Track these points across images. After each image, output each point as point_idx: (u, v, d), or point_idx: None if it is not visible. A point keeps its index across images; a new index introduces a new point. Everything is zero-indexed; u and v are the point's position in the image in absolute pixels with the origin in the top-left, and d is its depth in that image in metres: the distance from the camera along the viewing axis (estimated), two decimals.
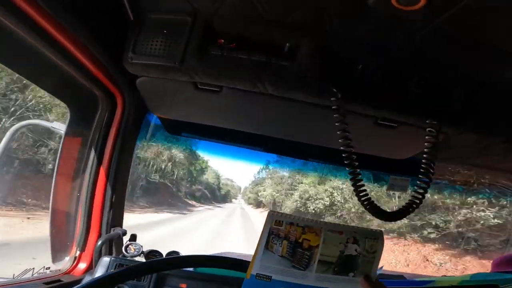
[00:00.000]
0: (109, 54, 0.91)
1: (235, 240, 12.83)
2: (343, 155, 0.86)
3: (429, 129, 0.90)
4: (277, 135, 1.40)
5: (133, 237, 1.37)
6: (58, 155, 1.09)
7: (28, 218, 8.36)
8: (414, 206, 0.89)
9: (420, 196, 0.89)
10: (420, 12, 0.66)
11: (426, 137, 0.90)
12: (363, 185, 0.87)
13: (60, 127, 1.10)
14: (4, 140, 1.10)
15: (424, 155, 0.89)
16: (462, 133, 0.98)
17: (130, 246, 1.29)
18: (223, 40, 0.87)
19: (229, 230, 16.44)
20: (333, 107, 0.86)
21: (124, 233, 1.30)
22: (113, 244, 1.28)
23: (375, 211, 0.88)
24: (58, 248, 1.16)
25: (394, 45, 0.84)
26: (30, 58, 0.83)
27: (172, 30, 0.86)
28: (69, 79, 0.94)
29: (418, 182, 0.90)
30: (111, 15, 0.88)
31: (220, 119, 1.31)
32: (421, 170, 0.89)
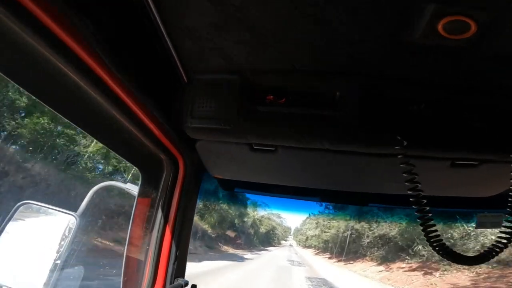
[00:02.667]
0: (170, 119, 0.93)
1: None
2: (411, 199, 0.79)
3: None
4: (334, 187, 1.36)
5: None
6: (133, 211, 1.22)
7: None
8: (502, 246, 0.80)
9: (509, 236, 0.79)
10: (471, 39, 0.62)
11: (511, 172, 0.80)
12: (435, 231, 0.79)
13: (132, 188, 1.25)
14: (87, 198, 1.26)
15: (510, 192, 0.79)
16: None
17: None
18: (272, 97, 0.85)
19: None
20: (399, 156, 0.79)
21: (186, 283, 1.36)
22: None
23: (449, 254, 0.79)
24: None
25: (449, 77, 0.78)
26: (111, 130, 0.90)
27: (223, 90, 0.86)
28: (139, 145, 1.01)
29: (505, 222, 0.82)
30: (168, 80, 0.90)
31: (275, 176, 1.31)
32: (508, 207, 0.79)
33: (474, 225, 1.46)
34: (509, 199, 0.79)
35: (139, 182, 1.22)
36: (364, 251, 23.61)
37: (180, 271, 1.34)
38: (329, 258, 31.84)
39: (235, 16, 0.65)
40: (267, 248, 41.98)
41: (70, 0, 0.53)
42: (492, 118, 0.81)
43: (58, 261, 0.99)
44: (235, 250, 30.50)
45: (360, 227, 24.13)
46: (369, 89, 0.81)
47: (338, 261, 27.70)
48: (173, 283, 1.30)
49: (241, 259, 25.44)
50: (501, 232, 0.82)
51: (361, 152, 0.88)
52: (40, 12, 0.50)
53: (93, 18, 0.58)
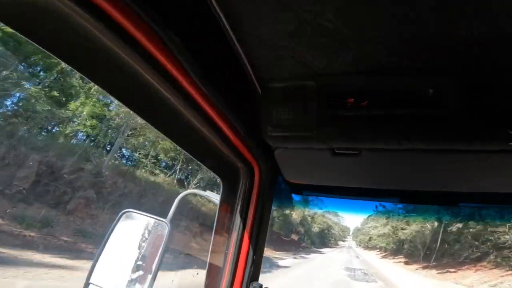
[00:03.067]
0: (247, 128, 0.94)
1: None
2: None
3: None
4: (416, 187, 1.29)
5: None
6: (216, 218, 1.29)
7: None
8: None
9: None
10: None
11: None
12: None
13: (214, 196, 1.32)
14: (175, 204, 1.36)
15: None
16: None
17: None
18: (352, 100, 0.82)
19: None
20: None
21: (260, 287, 1.40)
22: None
23: None
24: None
25: None
26: (192, 137, 0.94)
27: (300, 96, 0.85)
28: (220, 155, 1.07)
29: None
30: (243, 89, 0.92)
31: (356, 180, 1.29)
32: None
33: None
34: None
35: (221, 190, 1.29)
36: (470, 254, 18.51)
37: (255, 274, 1.37)
38: (406, 263, 25.72)
39: (311, 22, 0.64)
40: (320, 250, 38.87)
41: (154, 15, 0.57)
42: None
43: (154, 266, 1.08)
44: (273, 251, 22.93)
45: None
46: (468, 84, 0.76)
47: (425, 267, 21.02)
48: (249, 286, 1.34)
49: (274, 266, 17.66)
50: None
51: (455, 150, 0.83)
52: (138, 33, 0.56)
53: (176, 28, 0.62)
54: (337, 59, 0.75)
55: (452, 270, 19.06)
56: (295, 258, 25.45)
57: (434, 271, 20.00)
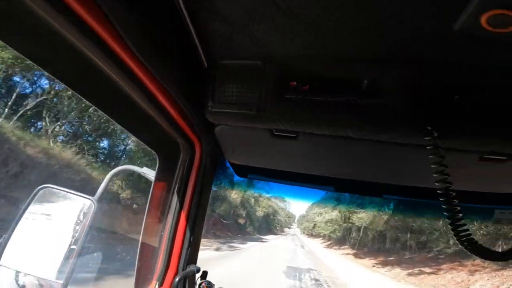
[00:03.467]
0: (189, 103, 0.92)
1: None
2: (440, 192, 0.77)
3: None
4: (352, 176, 1.35)
5: (204, 274, 1.44)
6: (149, 197, 1.20)
7: None
8: None
9: None
10: None
11: None
12: (464, 224, 0.78)
13: (150, 173, 1.24)
14: (104, 181, 1.26)
15: None
16: None
17: (203, 284, 1.36)
18: (295, 83, 0.84)
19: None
20: (427, 147, 0.77)
21: (198, 270, 1.36)
22: (187, 280, 1.35)
23: (479, 251, 0.78)
24: (141, 282, 1.25)
25: (490, 69, 0.75)
26: (128, 110, 0.88)
27: (247, 75, 0.86)
28: (157, 128, 1.00)
29: None
30: (188, 63, 0.89)
31: (293, 164, 1.31)
32: None
33: (491, 221, 1.44)
34: None
35: (156, 167, 1.21)
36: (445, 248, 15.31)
37: (192, 257, 1.34)
38: (356, 255, 22.75)
39: (268, 1, 0.64)
40: (264, 238, 34.83)
41: None
42: None
43: (75, 246, 0.98)
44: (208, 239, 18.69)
45: None
46: (406, 77, 0.80)
47: (385, 263, 17.58)
48: (186, 269, 1.30)
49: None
50: None
51: (385, 141, 0.86)
52: None
53: None
54: (289, 42, 0.76)
55: (427, 270, 15.35)
56: (231, 247, 19.82)
57: (399, 270, 16.42)
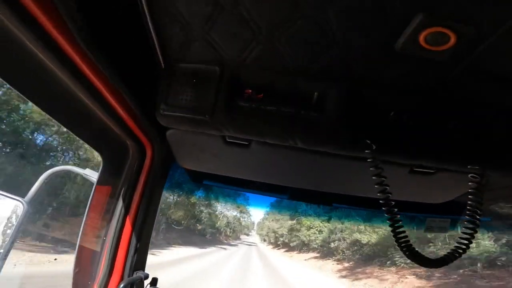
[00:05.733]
0: (141, 104, 0.90)
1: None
2: (381, 202, 0.82)
3: (471, 175, 0.85)
4: (304, 186, 1.38)
5: (154, 282, 1.38)
6: (90, 199, 1.14)
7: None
8: (461, 251, 0.85)
9: (467, 242, 0.84)
10: (450, 51, 0.64)
11: (469, 183, 0.85)
12: (403, 232, 0.82)
13: (92, 174, 1.17)
14: (37, 184, 1.17)
15: (469, 201, 0.84)
16: (506, 175, 0.91)
17: None
18: (250, 91, 0.85)
19: None
20: (368, 160, 0.82)
21: (146, 276, 1.31)
22: (134, 287, 1.29)
23: (417, 257, 0.83)
24: (79, 287, 1.18)
25: (427, 87, 0.80)
26: (70, 107, 0.84)
27: (202, 80, 0.85)
28: (103, 128, 0.96)
29: (464, 227, 0.86)
30: (144, 65, 0.89)
31: (247, 172, 1.31)
32: (467, 214, 0.84)
33: (421, 230, 1.56)
34: (468, 206, 0.84)
35: (100, 168, 1.15)
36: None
37: (140, 263, 1.28)
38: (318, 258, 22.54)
39: (230, 9, 0.65)
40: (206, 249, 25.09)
41: None
42: (459, 129, 0.85)
43: (1, 251, 0.90)
44: None
45: None
46: (349, 93, 0.83)
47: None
48: (132, 275, 1.25)
49: None
50: (460, 238, 0.86)
51: (331, 153, 0.89)
52: None
53: None
54: (245, 50, 0.77)
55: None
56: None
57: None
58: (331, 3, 0.60)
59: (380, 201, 0.83)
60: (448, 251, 0.87)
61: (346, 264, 20.00)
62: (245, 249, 33.23)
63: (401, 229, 0.83)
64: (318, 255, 24.74)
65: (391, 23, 0.62)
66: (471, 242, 0.85)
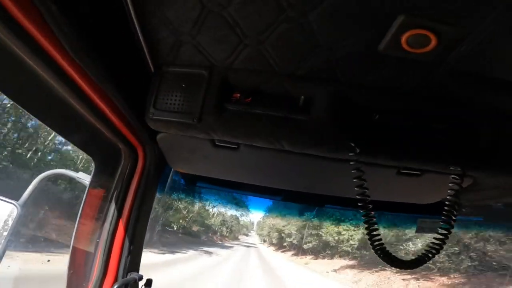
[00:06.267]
0: (132, 108, 0.91)
1: None
2: (359, 204, 0.85)
3: (452, 176, 0.86)
4: (296, 187, 1.40)
5: (149, 283, 1.39)
6: (82, 203, 1.15)
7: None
8: (434, 252, 0.86)
9: (440, 242, 0.86)
10: (432, 53, 0.65)
11: (450, 184, 0.86)
12: (378, 234, 0.85)
13: (85, 178, 1.19)
14: (30, 187, 1.18)
15: (447, 202, 0.86)
16: (491, 176, 0.92)
17: None
18: (239, 95, 0.86)
19: None
20: (351, 163, 0.84)
21: (140, 278, 1.32)
22: None
23: (389, 258, 0.85)
24: None
25: (410, 88, 0.82)
26: (60, 112, 0.85)
27: (190, 84, 0.86)
28: (94, 132, 0.97)
29: (438, 228, 0.88)
30: (133, 68, 0.89)
31: (237, 174, 1.32)
32: (443, 214, 0.86)
33: (413, 230, 1.57)
34: (445, 207, 0.86)
35: (92, 171, 1.16)
36: None
37: (134, 265, 1.30)
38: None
39: (216, 13, 0.66)
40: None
41: None
42: (442, 130, 0.86)
43: None
44: None
45: None
46: (334, 95, 0.84)
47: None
48: (126, 277, 1.27)
49: None
50: (434, 238, 0.88)
51: (319, 156, 0.91)
52: None
53: None
54: (232, 54, 0.78)
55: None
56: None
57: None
58: (313, 7, 0.62)
59: (358, 204, 0.85)
60: (422, 252, 0.88)
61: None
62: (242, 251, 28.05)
63: (376, 232, 0.85)
64: (352, 263, 16.93)
65: (374, 25, 0.64)
66: (445, 243, 0.86)
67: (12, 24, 0.53)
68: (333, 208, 1.70)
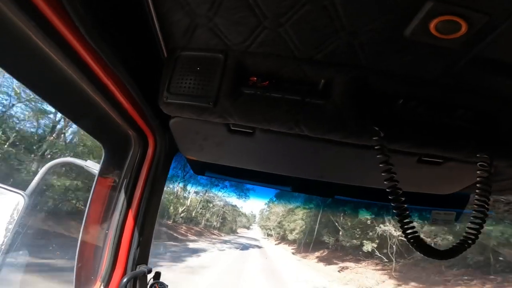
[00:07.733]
0: (143, 93, 0.90)
1: None
2: (388, 190, 0.80)
3: (480, 163, 0.84)
4: (308, 175, 1.37)
5: (157, 275, 1.37)
6: (92, 192, 1.12)
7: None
8: (470, 242, 0.83)
9: (476, 232, 0.83)
10: (461, 40, 0.64)
11: (478, 171, 0.83)
12: (411, 222, 0.81)
13: (93, 166, 1.15)
14: (39, 175, 1.16)
15: (478, 190, 0.83)
16: None
17: (155, 285, 1.30)
18: (255, 78, 0.84)
19: None
20: (375, 147, 0.80)
21: (150, 270, 1.30)
22: (137, 281, 1.28)
23: (425, 249, 0.82)
24: (82, 282, 1.16)
25: (435, 76, 0.80)
26: (71, 96, 0.83)
27: (205, 68, 0.84)
28: (105, 118, 0.95)
29: (472, 217, 0.84)
30: (146, 53, 0.88)
31: (250, 161, 1.30)
32: (475, 205, 0.83)
33: (427, 222, 1.55)
34: (476, 196, 0.83)
35: (101, 160, 1.12)
36: None
37: (143, 257, 1.27)
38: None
39: None
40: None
41: None
42: (467, 118, 0.84)
43: (2, 246, 0.88)
44: None
45: None
46: (356, 80, 0.82)
47: None
48: (135, 269, 1.24)
49: None
50: (468, 228, 0.84)
51: (337, 142, 0.88)
52: None
53: None
54: (250, 37, 0.76)
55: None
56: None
57: None
58: None
59: (387, 190, 0.81)
60: (457, 242, 0.85)
61: None
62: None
63: (408, 219, 0.81)
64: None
65: (400, 10, 0.62)
66: (479, 233, 0.83)
67: (26, 5, 0.53)
68: (343, 199, 1.68)
